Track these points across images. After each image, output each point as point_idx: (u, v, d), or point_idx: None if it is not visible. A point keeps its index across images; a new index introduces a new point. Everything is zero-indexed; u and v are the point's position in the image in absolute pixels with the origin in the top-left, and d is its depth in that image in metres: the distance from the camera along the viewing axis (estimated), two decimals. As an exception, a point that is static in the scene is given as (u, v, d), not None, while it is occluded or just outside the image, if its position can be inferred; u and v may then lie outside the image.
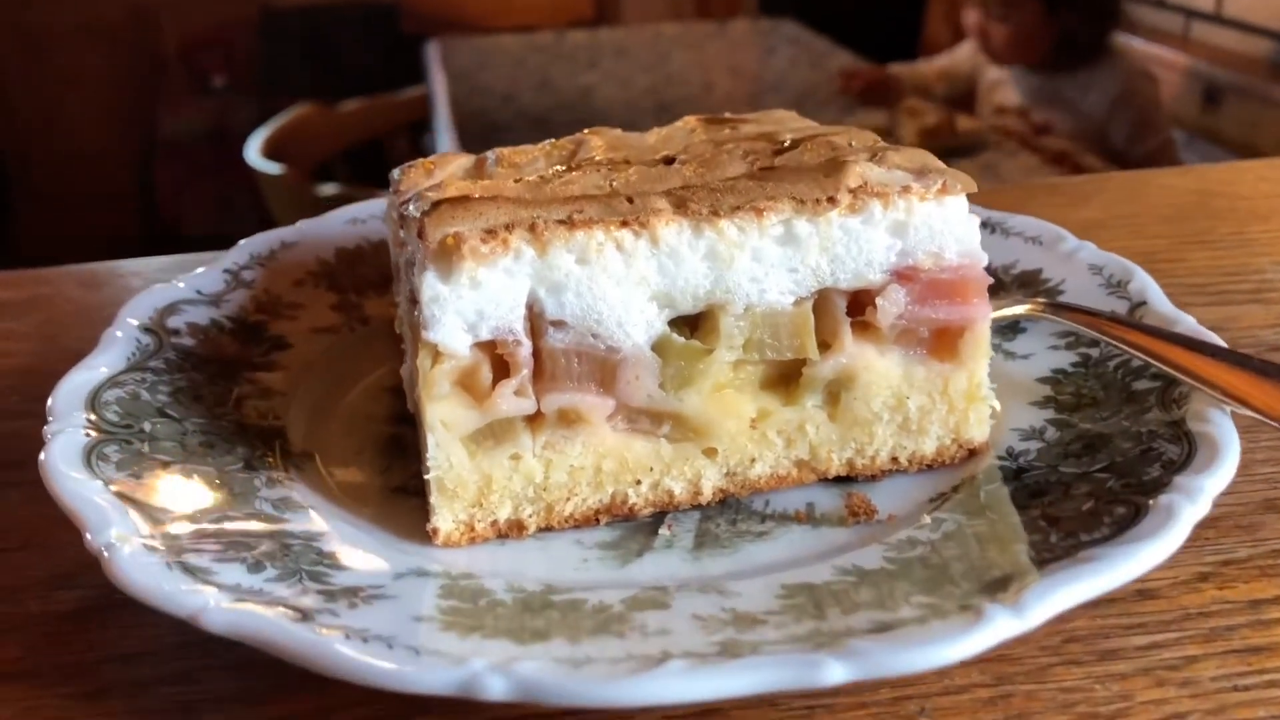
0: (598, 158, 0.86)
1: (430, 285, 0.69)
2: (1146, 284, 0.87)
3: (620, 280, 0.71)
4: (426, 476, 0.71)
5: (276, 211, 4.06)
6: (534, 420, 0.72)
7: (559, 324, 0.71)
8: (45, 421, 0.91)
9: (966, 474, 0.75)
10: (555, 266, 0.70)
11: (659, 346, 0.72)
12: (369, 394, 0.89)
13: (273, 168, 3.85)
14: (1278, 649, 0.66)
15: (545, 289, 0.70)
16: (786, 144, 0.83)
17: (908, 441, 0.77)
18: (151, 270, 1.20)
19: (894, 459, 0.77)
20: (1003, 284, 0.92)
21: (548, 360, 0.71)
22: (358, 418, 0.86)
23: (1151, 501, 0.64)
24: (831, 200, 0.72)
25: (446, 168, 0.89)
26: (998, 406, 0.77)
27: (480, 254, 0.68)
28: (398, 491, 0.78)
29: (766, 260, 0.72)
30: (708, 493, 0.75)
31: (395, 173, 0.89)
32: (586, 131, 0.94)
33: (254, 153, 3.96)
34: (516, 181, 0.81)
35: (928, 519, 0.70)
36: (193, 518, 0.68)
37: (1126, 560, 0.59)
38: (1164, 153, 3.67)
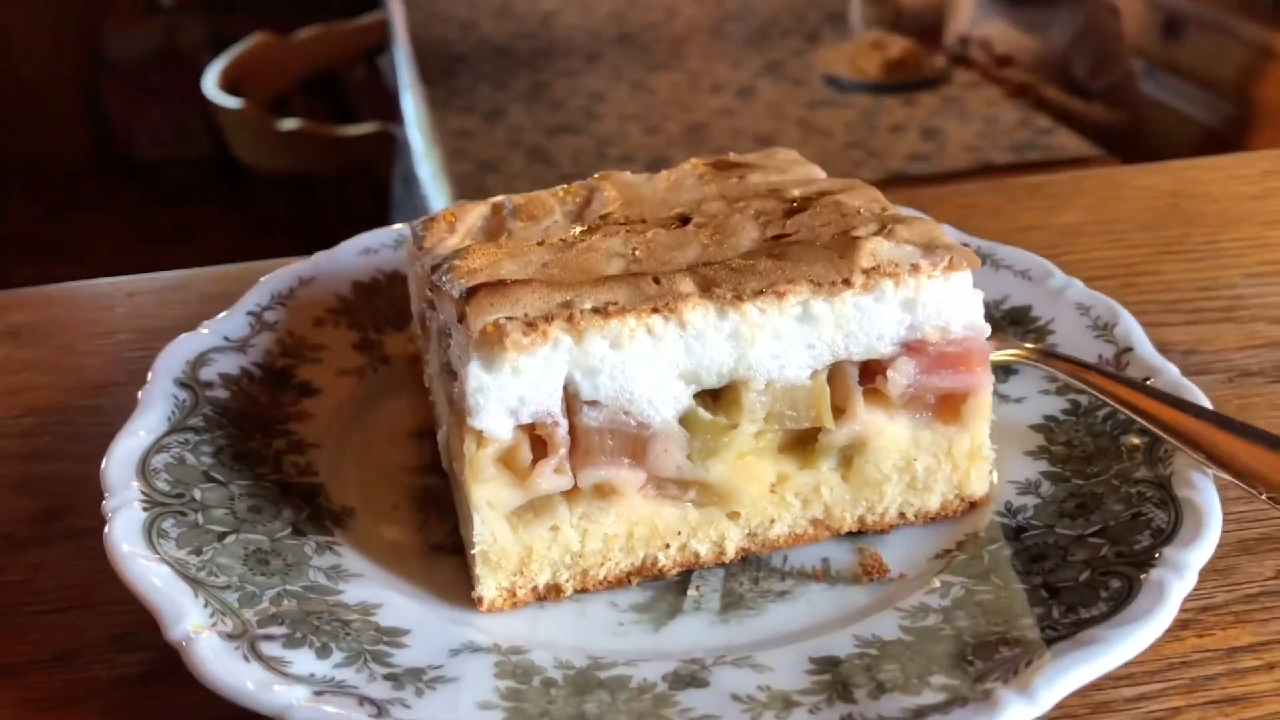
0: (613, 212, 0.90)
1: (475, 376, 0.73)
2: (1131, 329, 0.92)
3: (650, 361, 0.76)
4: (472, 551, 0.76)
5: (237, 146, 4.03)
6: (571, 494, 0.77)
7: (593, 403, 0.76)
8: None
9: (969, 529, 0.81)
10: (591, 353, 0.74)
11: (686, 420, 0.77)
12: (396, 441, 0.93)
13: (232, 102, 3.80)
14: (1253, 699, 0.73)
15: (581, 373, 0.75)
16: (795, 203, 0.88)
17: (914, 498, 0.83)
18: (160, 288, 1.23)
19: (901, 514, 0.83)
20: (994, 320, 0.97)
21: (583, 438, 0.76)
22: (389, 468, 0.90)
23: (1143, 576, 0.70)
24: (847, 282, 0.77)
25: (465, 220, 0.92)
26: (995, 479, 0.84)
27: (522, 345, 0.73)
28: (437, 550, 0.83)
29: (785, 338, 0.77)
30: (731, 552, 0.81)
31: (417, 225, 0.92)
32: (597, 177, 0.98)
33: (211, 85, 3.91)
34: (540, 244, 0.85)
35: (937, 582, 0.76)
36: (255, 597, 0.73)
37: (1124, 642, 0.66)
38: (1125, 85, 3.71)
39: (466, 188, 3.12)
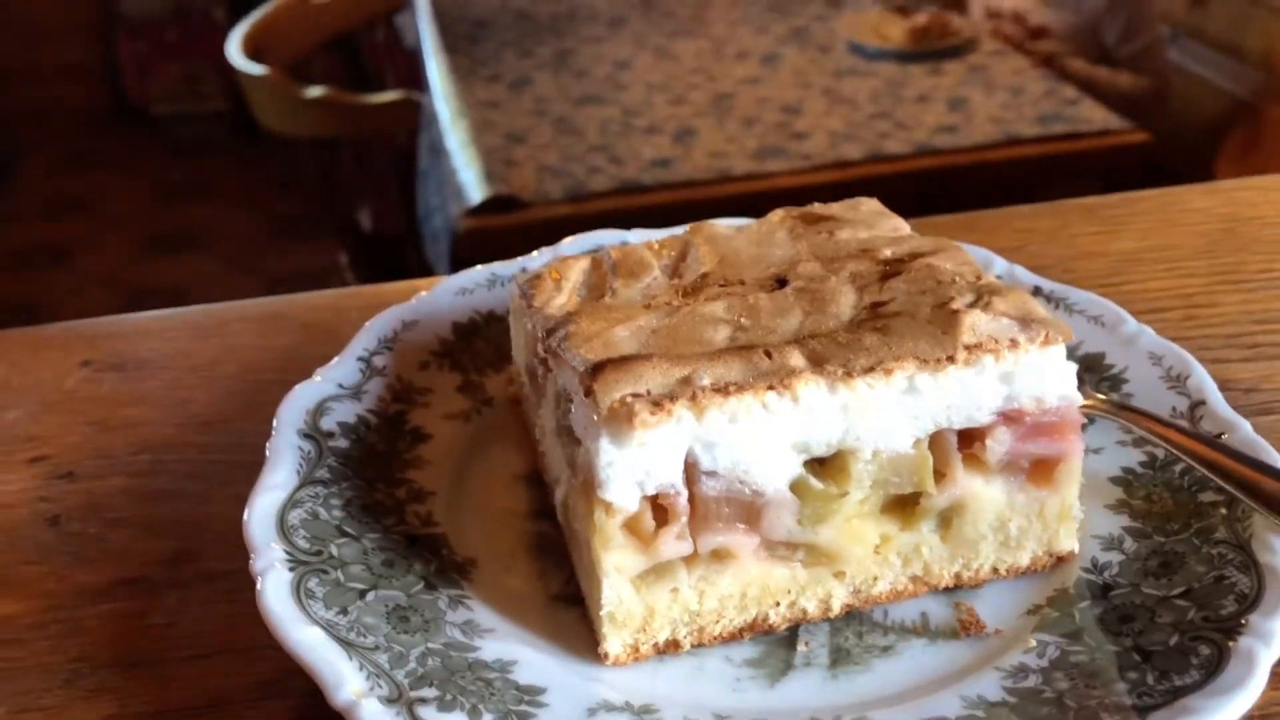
0: (709, 271, 0.95)
1: (605, 451, 0.78)
2: (1204, 382, 0.97)
3: (764, 434, 0.81)
4: (600, 612, 0.82)
5: (260, 113, 4.03)
6: (690, 558, 0.83)
7: (711, 473, 0.81)
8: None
9: (1059, 584, 0.87)
10: (710, 427, 0.80)
11: (796, 488, 0.83)
12: (505, 485, 0.99)
13: (256, 69, 3.81)
14: (1327, 750, 0.79)
15: (701, 446, 0.80)
16: (888, 265, 0.93)
17: (1007, 555, 0.88)
18: (256, 316, 1.27)
19: (994, 570, 0.89)
20: (1070, 368, 1.02)
21: (701, 506, 0.81)
22: (502, 515, 0.96)
23: (1231, 644, 0.76)
24: (951, 359, 0.82)
25: (570, 276, 0.97)
26: (1076, 548, 0.89)
27: (649, 423, 0.78)
28: (557, 601, 0.88)
29: (891, 410, 0.82)
30: (836, 608, 0.86)
31: (524, 283, 0.97)
32: (689, 230, 1.02)
33: (234, 51, 3.91)
34: (646, 308, 0.90)
35: (1034, 640, 0.82)
36: (403, 657, 0.79)
37: (1219, 712, 0.71)
38: (1152, 52, 3.73)
39: (495, 160, 3.15)
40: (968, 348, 0.82)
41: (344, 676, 0.75)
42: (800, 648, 0.85)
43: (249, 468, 1.04)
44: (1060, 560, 0.89)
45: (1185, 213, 1.39)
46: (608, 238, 1.19)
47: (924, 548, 0.87)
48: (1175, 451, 0.91)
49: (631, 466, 0.79)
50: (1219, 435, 0.92)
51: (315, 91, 3.81)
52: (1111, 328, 1.05)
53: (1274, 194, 1.41)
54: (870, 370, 0.81)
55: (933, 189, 3.11)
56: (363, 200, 4.33)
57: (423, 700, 0.75)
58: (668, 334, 0.86)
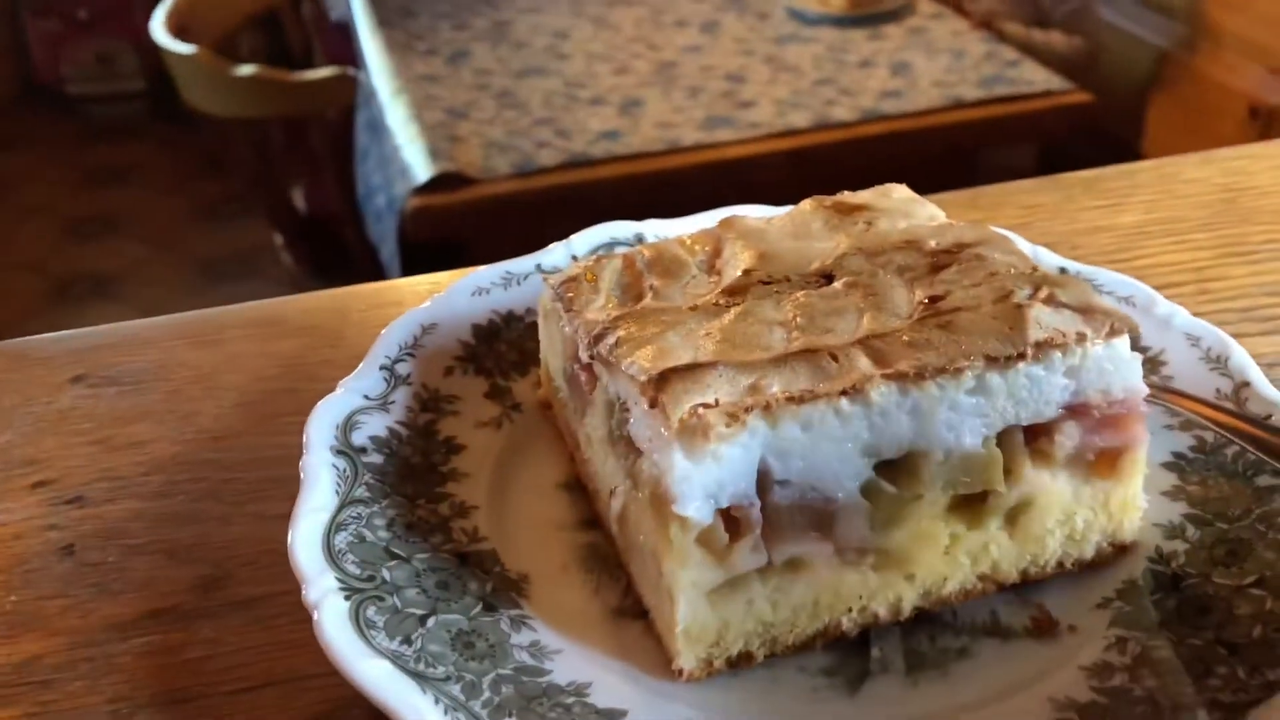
0: (750, 269, 0.92)
1: (679, 465, 0.75)
2: (1246, 363, 0.97)
3: (836, 440, 0.79)
4: (677, 630, 0.79)
5: (189, 95, 3.91)
6: (764, 569, 0.80)
7: (784, 482, 0.79)
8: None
9: (1126, 576, 0.86)
10: (784, 436, 0.77)
11: (867, 492, 0.81)
12: (544, 495, 0.96)
13: (184, 48, 3.68)
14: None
15: (774, 455, 0.78)
16: (934, 255, 0.91)
17: (1073, 549, 0.87)
18: (252, 321, 1.22)
19: (1060, 564, 0.88)
20: (1106, 351, 1.01)
21: (773, 515, 0.79)
22: (547, 526, 0.93)
23: (1317, 633, 0.76)
24: (1021, 356, 0.80)
25: (604, 276, 0.94)
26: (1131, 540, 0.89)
27: (724, 435, 0.75)
28: (618, 615, 0.86)
29: (961, 410, 0.80)
30: (906, 611, 0.85)
31: (559, 287, 0.93)
32: (720, 224, 0.99)
33: (159, 30, 3.78)
34: (693, 310, 0.87)
35: (1112, 636, 0.81)
36: (476, 687, 0.76)
37: (1318, 706, 0.71)
38: (1084, 11, 3.76)
39: (438, 137, 3.09)
40: (1037, 344, 0.80)
41: (422, 713, 0.72)
42: (874, 653, 0.83)
43: (268, 484, 1.01)
44: (1123, 550, 0.88)
45: (1184, 184, 1.39)
46: (620, 230, 1.16)
47: (992, 546, 0.85)
48: (1227, 435, 0.91)
49: (705, 480, 0.76)
50: (1266, 417, 0.92)
51: (247, 70, 3.69)
52: (1144, 309, 1.04)
53: (1266, 162, 1.42)
54: (942, 371, 0.79)
55: (882, 155, 3.11)
56: (296, 180, 4.23)
57: (506, 733, 0.72)
58: (723, 337, 0.83)
